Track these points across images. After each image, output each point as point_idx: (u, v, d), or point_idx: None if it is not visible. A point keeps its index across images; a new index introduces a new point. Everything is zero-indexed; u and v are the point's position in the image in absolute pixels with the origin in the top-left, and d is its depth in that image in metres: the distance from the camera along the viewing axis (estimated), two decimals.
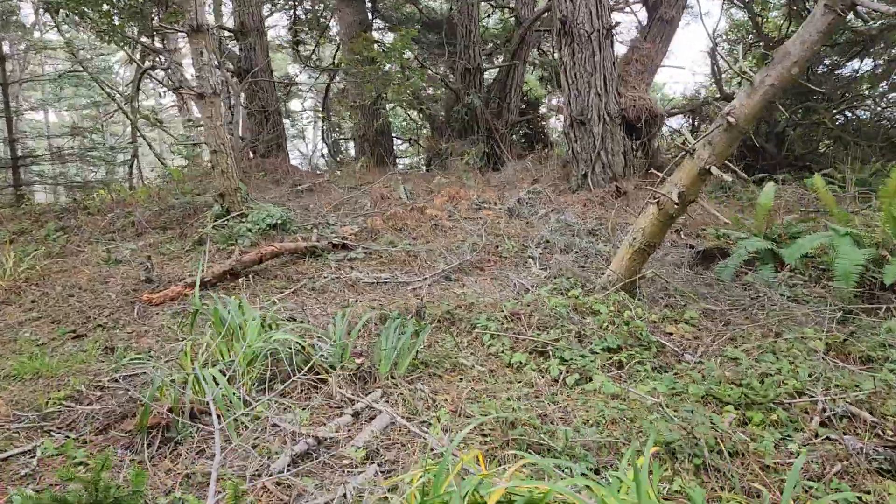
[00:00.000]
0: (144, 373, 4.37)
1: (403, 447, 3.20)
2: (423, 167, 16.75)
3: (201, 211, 8.66)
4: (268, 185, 10.83)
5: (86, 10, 11.84)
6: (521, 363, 4.20)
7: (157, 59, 17.21)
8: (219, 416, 3.30)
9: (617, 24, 8.41)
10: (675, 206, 4.75)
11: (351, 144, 24.11)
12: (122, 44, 13.17)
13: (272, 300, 5.80)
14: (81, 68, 20.41)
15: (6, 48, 16.80)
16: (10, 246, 7.58)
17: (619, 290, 5.03)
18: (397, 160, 17.93)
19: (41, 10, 21.70)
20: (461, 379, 4.09)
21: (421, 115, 16.13)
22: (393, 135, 18.05)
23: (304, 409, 3.65)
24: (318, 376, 3.97)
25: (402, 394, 3.78)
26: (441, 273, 6.47)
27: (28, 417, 3.74)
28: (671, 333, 4.63)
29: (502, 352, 4.39)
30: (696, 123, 11.73)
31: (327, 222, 8.05)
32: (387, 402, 3.71)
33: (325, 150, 19.75)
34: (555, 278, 5.95)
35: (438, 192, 9.88)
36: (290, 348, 3.97)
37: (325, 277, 6.41)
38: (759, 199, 6.48)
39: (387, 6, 17.84)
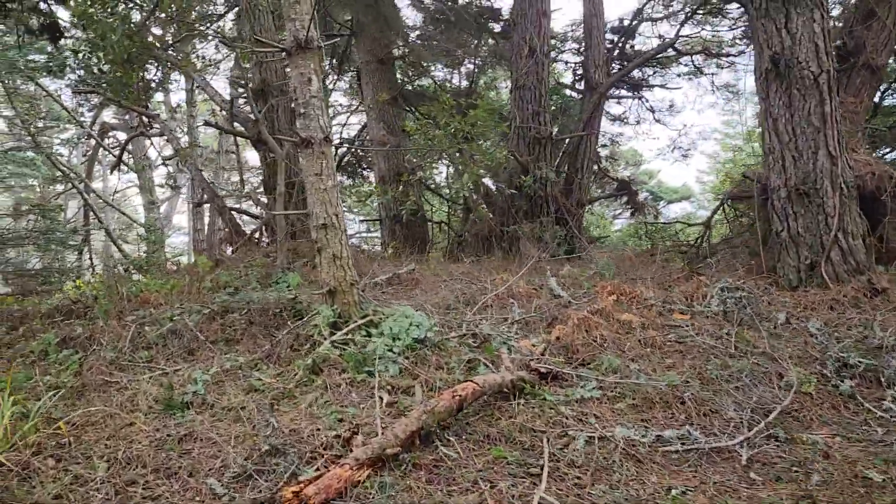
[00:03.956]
0: None
1: None
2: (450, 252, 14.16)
3: (275, 313, 5.86)
4: None
5: (99, 56, 9.15)
6: None
7: (143, 127, 14.56)
8: None
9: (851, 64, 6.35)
10: None
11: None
12: (125, 100, 10.42)
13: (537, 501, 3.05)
14: (33, 143, 17.49)
15: None
16: None
17: None
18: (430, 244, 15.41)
19: None
20: None
21: (468, 194, 13.74)
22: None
23: None
24: None
25: None
26: (759, 431, 3.87)
27: None
28: None
29: None
30: None
31: (484, 333, 5.37)
32: None
33: None
34: None
35: (583, 286, 7.38)
36: None
37: (573, 438, 3.70)
38: None
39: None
